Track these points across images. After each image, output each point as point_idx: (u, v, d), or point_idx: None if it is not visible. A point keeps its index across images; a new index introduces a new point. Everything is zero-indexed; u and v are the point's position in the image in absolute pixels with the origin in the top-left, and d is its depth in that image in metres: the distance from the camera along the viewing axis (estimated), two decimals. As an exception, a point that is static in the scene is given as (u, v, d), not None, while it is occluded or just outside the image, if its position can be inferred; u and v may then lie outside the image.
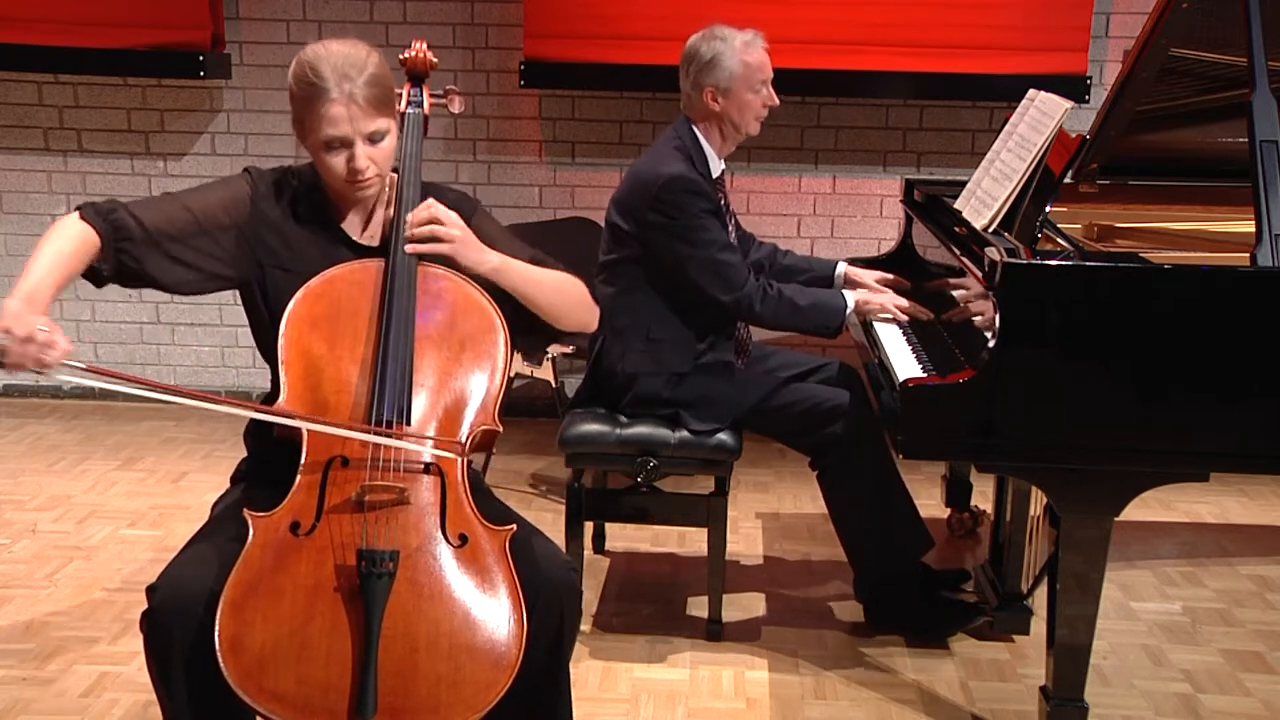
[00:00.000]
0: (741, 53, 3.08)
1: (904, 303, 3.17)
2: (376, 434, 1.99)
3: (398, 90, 2.22)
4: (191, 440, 4.63)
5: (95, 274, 2.06)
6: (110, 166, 4.92)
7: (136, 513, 3.92)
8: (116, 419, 4.86)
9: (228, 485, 2.29)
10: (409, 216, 2.12)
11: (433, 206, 2.13)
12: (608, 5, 4.51)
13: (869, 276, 3.39)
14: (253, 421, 2.25)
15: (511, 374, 2.42)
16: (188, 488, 4.14)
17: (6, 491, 4.07)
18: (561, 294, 2.25)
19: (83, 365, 1.90)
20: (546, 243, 2.40)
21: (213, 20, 4.62)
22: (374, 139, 2.09)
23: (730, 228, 3.20)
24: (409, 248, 2.10)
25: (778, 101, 3.19)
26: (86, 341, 5.07)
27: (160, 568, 1.98)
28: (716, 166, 3.16)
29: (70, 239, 2.01)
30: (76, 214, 2.05)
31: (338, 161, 2.09)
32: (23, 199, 4.97)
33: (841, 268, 3.43)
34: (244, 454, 2.31)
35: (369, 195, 2.16)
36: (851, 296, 3.18)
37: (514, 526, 2.02)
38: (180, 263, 2.10)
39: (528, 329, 2.26)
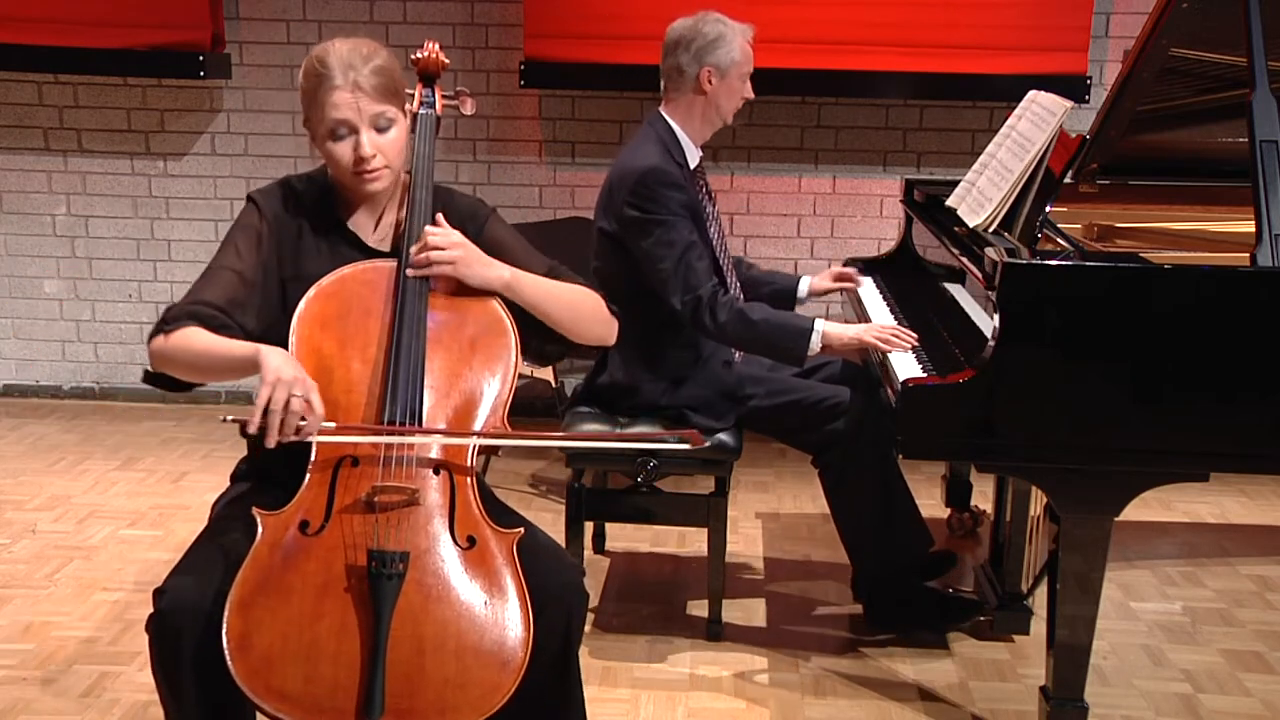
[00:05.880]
0: (742, 39, 3.07)
1: (881, 332, 2.94)
2: (399, 433, 1.98)
3: (409, 90, 2.20)
4: (191, 440, 4.62)
5: None
6: (110, 166, 4.92)
7: (136, 513, 3.91)
8: (116, 419, 4.85)
9: (228, 484, 2.28)
10: (412, 250, 2.10)
11: (429, 235, 2.09)
12: (608, 5, 4.51)
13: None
14: None
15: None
16: (188, 488, 4.14)
17: (6, 491, 4.07)
18: (576, 308, 2.21)
19: (333, 426, 1.93)
20: (546, 243, 2.39)
21: (213, 20, 4.62)
22: (380, 127, 2.08)
23: (711, 217, 3.14)
24: (410, 272, 2.08)
25: (753, 95, 3.16)
26: (86, 341, 5.07)
27: (160, 568, 1.99)
28: (694, 156, 3.13)
29: (193, 342, 1.99)
30: (161, 336, 2.01)
31: (344, 150, 2.07)
32: (23, 199, 4.97)
33: (805, 284, 3.35)
34: (243, 453, 2.29)
35: (378, 189, 2.13)
36: (821, 324, 2.96)
37: (521, 530, 2.03)
38: (256, 321, 2.10)
39: (546, 339, 2.24)
